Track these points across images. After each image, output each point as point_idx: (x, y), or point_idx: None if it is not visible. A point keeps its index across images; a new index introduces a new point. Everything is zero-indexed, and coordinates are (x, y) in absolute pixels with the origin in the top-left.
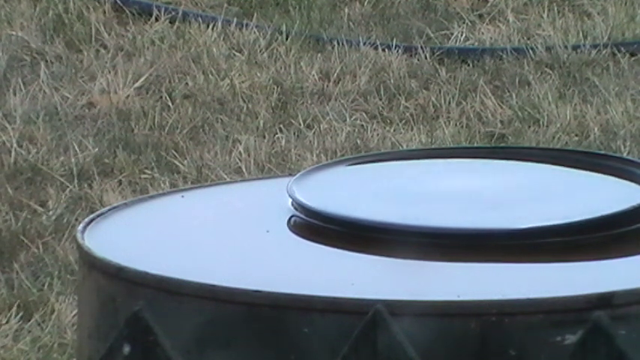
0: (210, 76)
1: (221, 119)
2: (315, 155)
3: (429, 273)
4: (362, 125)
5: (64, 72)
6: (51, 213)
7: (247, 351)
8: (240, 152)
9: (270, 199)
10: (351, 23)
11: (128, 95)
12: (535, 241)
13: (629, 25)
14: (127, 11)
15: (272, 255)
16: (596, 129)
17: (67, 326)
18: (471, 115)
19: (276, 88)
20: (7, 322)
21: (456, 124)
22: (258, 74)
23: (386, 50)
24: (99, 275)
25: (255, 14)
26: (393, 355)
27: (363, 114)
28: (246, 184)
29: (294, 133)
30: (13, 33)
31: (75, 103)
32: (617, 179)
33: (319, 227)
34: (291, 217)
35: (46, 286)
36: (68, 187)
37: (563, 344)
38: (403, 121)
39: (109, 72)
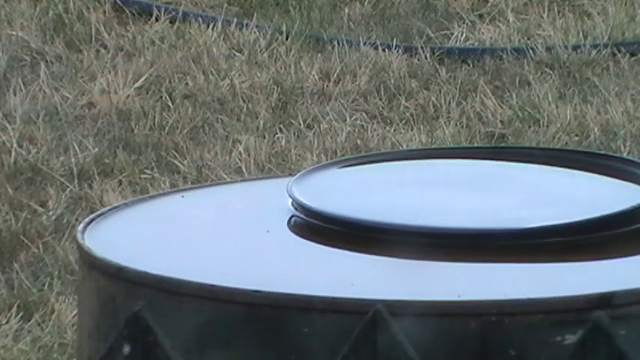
0: (210, 76)
1: (221, 119)
2: (315, 155)
3: (429, 273)
4: (362, 125)
5: (64, 72)
6: (51, 213)
7: (247, 351)
8: (240, 152)
9: (270, 199)
10: (351, 23)
11: (128, 95)
12: (535, 241)
13: (629, 25)
14: (127, 11)
15: (272, 255)
16: (596, 129)
17: (67, 326)
18: (471, 115)
19: (276, 88)
20: (7, 322)
21: (456, 124)
22: (258, 74)
23: (386, 50)
24: (99, 275)
25: (255, 14)
26: (393, 355)
27: (363, 114)
28: (246, 184)
29: (294, 133)
30: (13, 33)
31: (75, 103)
32: (617, 179)
33: (319, 227)
34: (291, 217)
35: (46, 286)
36: (68, 187)
37: (563, 344)
38: (403, 121)
39: (109, 72)
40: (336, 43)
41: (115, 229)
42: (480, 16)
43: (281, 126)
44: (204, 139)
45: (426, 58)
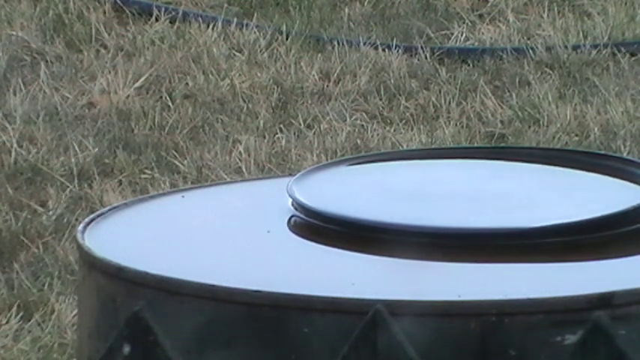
0: (210, 76)
1: (221, 119)
2: (315, 155)
3: (429, 273)
4: (362, 125)
5: (64, 72)
6: (51, 213)
7: (247, 351)
8: (240, 152)
9: (270, 199)
10: (351, 23)
11: (128, 95)
12: (535, 241)
13: (629, 25)
14: (127, 11)
15: (272, 255)
16: (596, 129)
17: (67, 326)
18: (471, 115)
19: (276, 88)
20: (7, 322)
21: (456, 124)
22: (259, 74)
23: (386, 50)
24: (99, 275)
25: (255, 14)
26: (393, 355)
27: (363, 114)
28: (246, 184)
29: (294, 133)
30: (13, 33)
31: (75, 103)
32: (617, 179)
33: (319, 227)
34: (291, 217)
35: (46, 286)
36: (68, 187)
37: (563, 344)
38: (403, 121)
39: (109, 72)
40: (336, 43)
41: (115, 229)
42: (480, 16)
43: (281, 126)
44: (204, 139)
45: (426, 58)
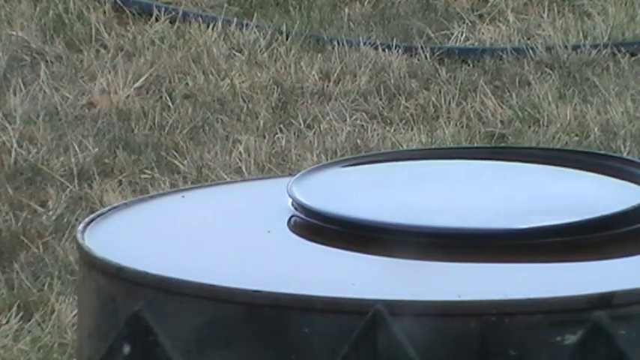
0: (210, 76)
1: (221, 119)
2: (315, 155)
3: (429, 273)
4: (362, 125)
5: (64, 72)
6: (51, 213)
7: (247, 351)
8: (240, 152)
9: (270, 199)
10: (351, 23)
11: (128, 95)
12: (535, 241)
13: (629, 25)
14: (127, 11)
15: (272, 255)
16: (596, 129)
17: (67, 326)
18: (471, 115)
19: (276, 88)
20: (7, 322)
21: (456, 124)
22: (259, 74)
23: (386, 50)
24: (99, 275)
25: (255, 14)
26: (393, 355)
27: (363, 114)
28: (246, 184)
29: (294, 133)
30: (13, 33)
31: (75, 103)
32: (617, 179)
33: (319, 227)
34: (291, 217)
35: (46, 286)
36: (68, 187)
37: (563, 344)
38: (403, 121)
39: (109, 72)
40: (336, 43)
41: (115, 229)
42: (480, 16)
43: (281, 126)
44: (204, 139)
45: (426, 58)
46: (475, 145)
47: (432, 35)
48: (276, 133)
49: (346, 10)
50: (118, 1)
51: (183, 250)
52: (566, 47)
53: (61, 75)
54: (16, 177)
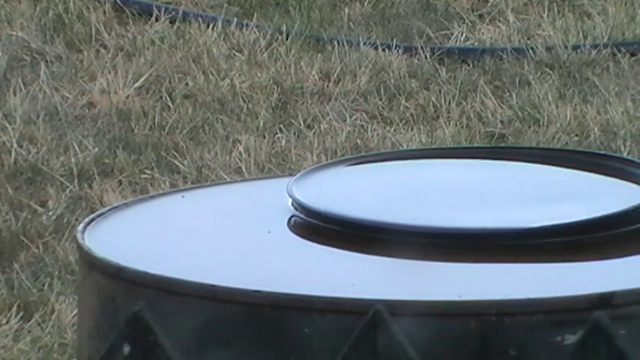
0: (210, 76)
1: (221, 119)
2: (315, 155)
3: (429, 273)
4: (362, 125)
5: (64, 72)
6: (51, 213)
7: (247, 351)
8: (240, 152)
9: (270, 199)
10: (351, 23)
11: (128, 95)
12: (535, 241)
13: (629, 25)
14: (127, 11)
15: (272, 255)
16: (596, 129)
17: (67, 326)
18: (471, 115)
19: (276, 88)
20: (7, 322)
21: (456, 124)
22: (258, 74)
23: (386, 50)
24: (99, 275)
25: (255, 14)
26: (393, 355)
27: (363, 114)
28: (246, 184)
29: (294, 133)
30: (13, 33)
31: (75, 103)
32: (617, 179)
33: (319, 227)
34: (291, 217)
35: (46, 286)
36: (68, 187)
37: (563, 344)
38: (403, 121)
39: (109, 72)
40: (336, 43)
41: (115, 229)
42: (480, 16)
43: (281, 126)
44: (204, 139)
45: (426, 58)
46: (475, 145)
47: (432, 35)
48: (276, 133)
49: (346, 10)
50: (118, 1)
51: (183, 250)
52: (566, 47)
53: (61, 75)
54: (16, 177)
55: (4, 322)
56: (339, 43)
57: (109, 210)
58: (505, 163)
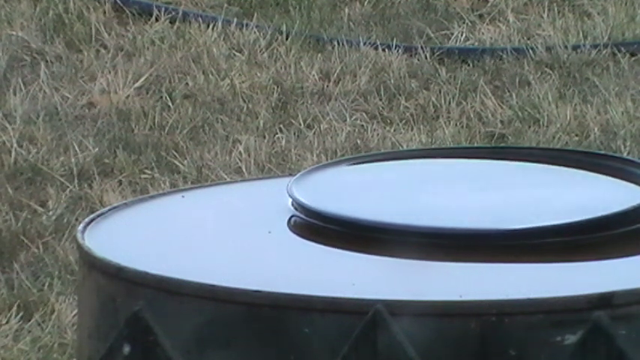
0: (210, 76)
1: (221, 119)
2: (315, 155)
3: (429, 273)
4: (362, 125)
5: (64, 72)
6: (51, 213)
7: (247, 351)
8: (240, 152)
9: (270, 199)
10: (351, 23)
11: (128, 95)
12: (535, 241)
13: (629, 25)
14: (127, 11)
15: (272, 255)
16: (596, 129)
17: (67, 326)
18: (471, 115)
19: (276, 88)
20: (7, 322)
21: (456, 124)
22: (258, 74)
23: (386, 50)
24: (99, 275)
25: (255, 14)
26: (393, 355)
27: (363, 114)
28: (246, 184)
29: (294, 133)
30: (13, 33)
31: (75, 103)
32: (617, 179)
33: (319, 227)
34: (291, 217)
35: (46, 286)
36: (68, 187)
37: (563, 344)
38: (403, 121)
39: (109, 72)
40: (336, 43)
41: (115, 229)
42: (480, 16)
43: (281, 126)
44: (204, 139)
45: (426, 58)
46: (475, 145)
47: (432, 35)
48: (276, 133)
49: (346, 10)
50: (118, 1)
51: (183, 250)
52: (566, 47)
53: (61, 75)
54: (16, 177)
55: (4, 322)
56: (339, 43)
57: (109, 210)
58: (505, 163)
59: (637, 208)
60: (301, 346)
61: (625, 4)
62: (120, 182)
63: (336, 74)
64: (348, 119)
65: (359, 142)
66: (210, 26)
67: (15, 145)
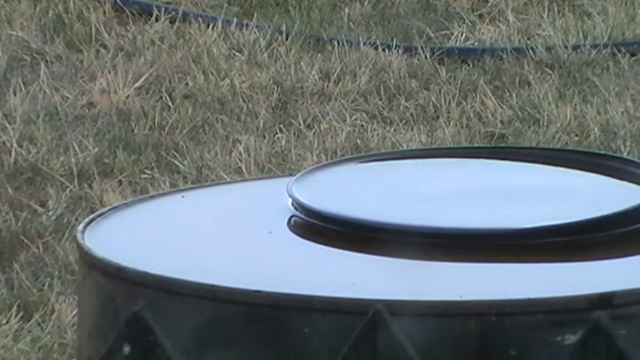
0: (210, 76)
1: (221, 119)
2: (315, 155)
3: (429, 273)
4: (362, 125)
5: (64, 72)
6: (51, 213)
7: (247, 351)
8: (240, 152)
9: (270, 199)
10: (351, 23)
11: (128, 95)
12: (535, 241)
13: (629, 25)
14: (127, 11)
15: (272, 255)
16: (596, 129)
17: (67, 326)
18: (471, 115)
19: (276, 88)
20: (7, 322)
21: (456, 124)
22: (258, 74)
23: (386, 50)
24: (99, 275)
25: (255, 14)
26: (393, 355)
27: (363, 114)
28: (246, 184)
29: (294, 133)
30: (13, 33)
31: (75, 103)
32: (617, 179)
33: (319, 227)
34: (291, 217)
35: (46, 286)
36: (68, 187)
37: (563, 344)
38: (403, 121)
39: (109, 72)
40: (336, 43)
41: (115, 229)
42: (480, 16)
43: (281, 126)
44: (204, 139)
45: (426, 58)
46: (475, 145)
47: (432, 35)
48: (276, 133)
49: (346, 10)
50: (118, 1)
51: (183, 250)
52: (566, 47)
53: (61, 75)
54: (16, 177)
55: (4, 322)
56: (339, 43)
57: (109, 210)
58: (505, 163)
59: (637, 208)
60: (301, 346)
61: (625, 4)
62: (120, 182)
63: (336, 74)
64: (348, 119)
65: (359, 142)
66: (210, 26)
67: (15, 145)
